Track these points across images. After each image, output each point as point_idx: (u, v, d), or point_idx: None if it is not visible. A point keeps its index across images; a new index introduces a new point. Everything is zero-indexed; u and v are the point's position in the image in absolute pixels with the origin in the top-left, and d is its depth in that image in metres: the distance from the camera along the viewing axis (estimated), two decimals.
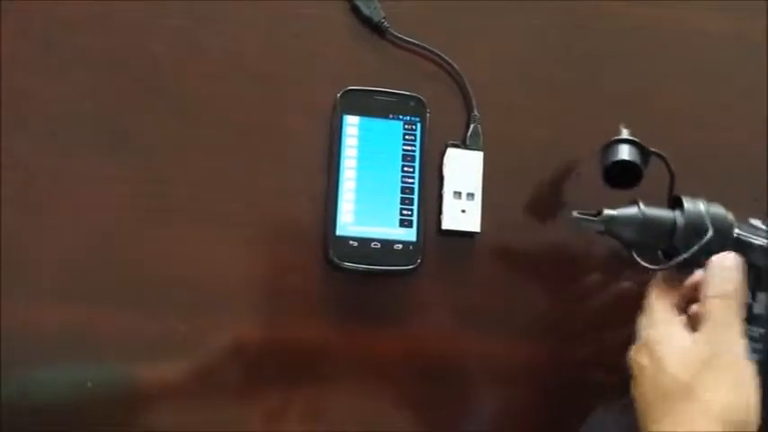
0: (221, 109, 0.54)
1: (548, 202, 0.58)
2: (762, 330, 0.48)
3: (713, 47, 0.63)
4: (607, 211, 0.49)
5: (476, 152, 0.56)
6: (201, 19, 0.54)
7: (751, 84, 0.62)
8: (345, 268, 0.51)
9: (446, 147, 0.56)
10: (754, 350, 0.47)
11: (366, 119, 0.54)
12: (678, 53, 0.62)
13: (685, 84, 0.62)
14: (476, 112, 0.56)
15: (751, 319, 0.48)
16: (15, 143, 0.50)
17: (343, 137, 0.54)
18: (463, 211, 0.55)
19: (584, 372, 0.58)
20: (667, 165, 0.53)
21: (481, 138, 0.56)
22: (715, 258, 0.47)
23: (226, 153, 0.53)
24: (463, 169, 0.55)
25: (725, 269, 0.47)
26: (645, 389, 0.46)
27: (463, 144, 0.56)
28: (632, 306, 0.57)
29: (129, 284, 0.51)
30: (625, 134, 0.53)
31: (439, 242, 0.55)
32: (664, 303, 0.48)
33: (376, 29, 0.56)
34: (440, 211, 0.55)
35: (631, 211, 0.49)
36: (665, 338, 0.46)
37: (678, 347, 0.45)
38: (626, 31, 0.62)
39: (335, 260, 0.51)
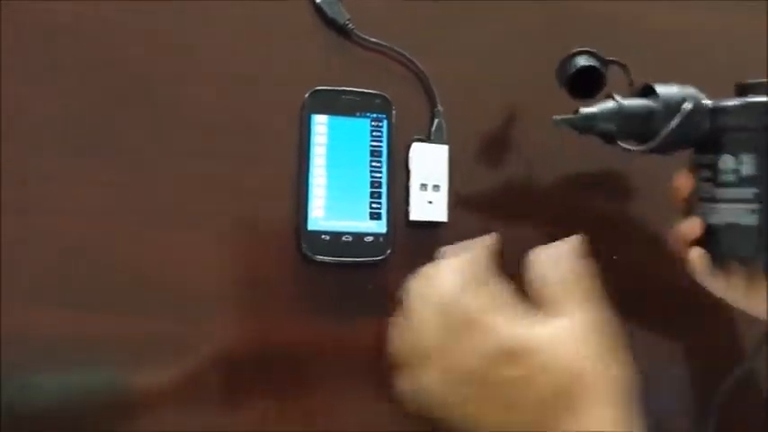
0: (196, 112, 0.55)
1: (510, 191, 0.61)
2: (754, 190, 0.50)
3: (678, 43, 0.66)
4: (586, 109, 0.52)
5: (440, 146, 0.58)
6: (174, 25, 0.55)
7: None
8: (319, 261, 0.54)
9: (412, 141, 0.58)
10: (752, 211, 0.50)
11: (334, 117, 0.56)
12: (643, 48, 0.64)
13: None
14: (439, 108, 0.59)
15: (740, 181, 0.50)
16: (4, 148, 0.51)
17: (312, 135, 0.56)
18: (430, 202, 0.57)
19: None
20: (626, 70, 0.55)
21: (445, 132, 0.59)
22: (532, 255, 0.47)
23: (200, 154, 0.54)
24: (429, 162, 0.58)
25: (550, 257, 0.46)
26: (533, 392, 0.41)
27: (428, 138, 0.58)
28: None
29: (110, 286, 0.52)
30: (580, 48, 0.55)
31: (408, 233, 0.57)
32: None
33: (341, 31, 0.58)
34: (407, 203, 0.57)
35: (609, 104, 0.52)
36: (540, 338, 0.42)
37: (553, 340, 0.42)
38: (586, 29, 0.64)
39: (309, 254, 0.54)
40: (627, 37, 0.64)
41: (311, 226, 0.54)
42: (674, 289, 0.60)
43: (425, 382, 0.43)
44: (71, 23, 0.53)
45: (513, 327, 0.42)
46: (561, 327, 0.43)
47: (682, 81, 0.53)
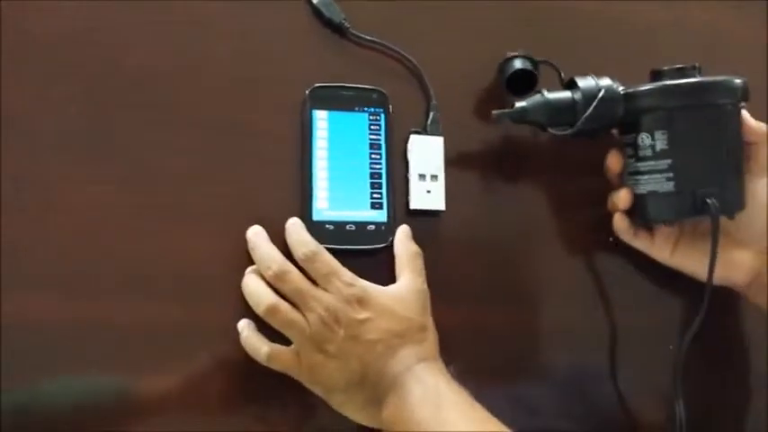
0: (198, 112, 0.56)
1: (504, 179, 0.63)
2: (668, 161, 0.58)
3: (661, 36, 0.69)
4: (518, 103, 0.59)
5: (436, 137, 0.61)
6: (171, 26, 0.56)
7: None
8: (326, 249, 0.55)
9: (409, 134, 0.60)
10: (668, 179, 0.58)
11: (334, 113, 0.58)
12: (631, 45, 0.68)
13: (636, 72, 0.66)
14: (434, 101, 0.61)
15: (655, 155, 0.58)
16: (3, 149, 0.51)
17: (313, 130, 0.58)
18: (428, 191, 0.60)
19: (548, 337, 0.63)
20: (555, 68, 0.62)
21: (440, 124, 0.61)
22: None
23: (204, 152, 0.55)
24: (426, 153, 0.60)
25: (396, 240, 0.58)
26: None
27: (424, 131, 0.61)
28: (592, 273, 0.63)
29: (114, 280, 0.52)
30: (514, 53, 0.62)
31: (408, 221, 0.59)
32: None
33: (337, 29, 0.60)
34: (407, 193, 0.60)
35: (536, 98, 0.59)
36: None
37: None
38: (576, 25, 0.67)
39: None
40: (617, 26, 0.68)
41: (316, 216, 0.56)
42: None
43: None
44: (71, 26, 0.54)
45: (365, 282, 0.54)
46: (398, 287, 0.55)
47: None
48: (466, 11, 0.64)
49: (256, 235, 0.55)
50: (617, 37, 0.69)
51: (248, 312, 0.54)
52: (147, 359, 0.53)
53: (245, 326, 0.54)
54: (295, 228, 0.55)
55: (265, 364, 0.53)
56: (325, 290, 0.53)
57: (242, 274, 0.55)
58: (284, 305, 0.53)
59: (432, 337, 0.55)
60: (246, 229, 0.55)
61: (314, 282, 0.54)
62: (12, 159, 0.51)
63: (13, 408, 0.49)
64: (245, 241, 0.55)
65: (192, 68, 0.56)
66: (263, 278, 0.54)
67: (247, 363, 0.54)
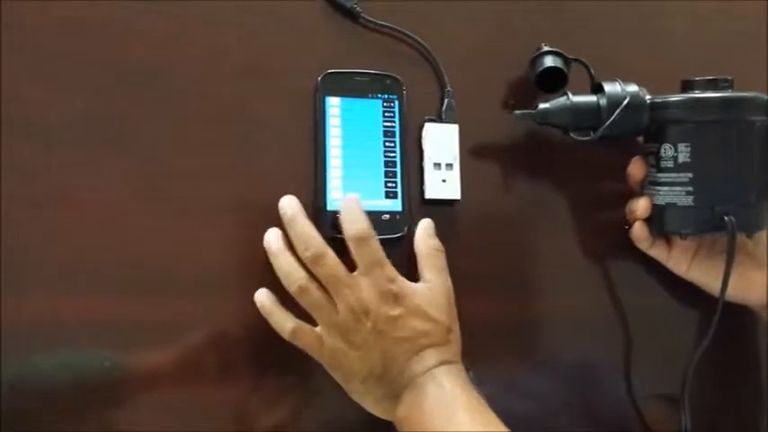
0: (208, 103, 0.55)
1: (520, 169, 0.62)
2: (689, 175, 0.57)
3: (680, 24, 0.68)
4: (542, 105, 0.58)
5: (451, 125, 0.60)
6: (184, 17, 0.55)
7: None
8: (339, 239, 0.54)
9: (424, 121, 0.59)
10: (687, 193, 0.56)
11: (347, 99, 0.57)
12: (650, 29, 0.67)
13: (659, 58, 0.66)
14: (449, 88, 0.60)
15: (677, 167, 0.57)
16: (13, 143, 0.51)
17: (326, 117, 0.57)
18: (444, 180, 0.59)
19: (561, 328, 0.63)
20: (586, 66, 0.60)
21: (455, 111, 0.60)
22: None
23: (215, 143, 0.55)
24: (441, 141, 0.59)
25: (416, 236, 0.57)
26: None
27: (439, 118, 0.60)
28: (608, 267, 0.63)
29: (128, 273, 0.53)
30: (547, 48, 0.60)
31: (423, 210, 0.58)
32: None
33: (349, 14, 0.59)
34: (422, 182, 0.59)
35: (561, 100, 0.58)
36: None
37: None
38: (593, 9, 0.65)
39: (328, 232, 0.54)
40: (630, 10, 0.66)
41: (330, 206, 0.55)
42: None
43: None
44: (85, 21, 0.53)
45: (404, 279, 0.54)
46: (429, 287, 0.55)
47: None
48: None
49: (292, 209, 0.53)
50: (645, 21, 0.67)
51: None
52: (158, 352, 0.53)
53: (265, 298, 0.53)
54: (352, 204, 0.54)
55: (288, 340, 0.53)
56: (365, 276, 0.52)
57: (256, 267, 0.54)
58: (315, 287, 0.52)
59: (456, 339, 0.55)
60: (260, 220, 0.54)
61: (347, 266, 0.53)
62: (24, 154, 0.51)
63: (10, 382, 0.50)
64: (258, 233, 0.54)
65: (203, 58, 0.56)
66: (294, 254, 0.53)
67: (265, 348, 0.54)
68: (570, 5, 0.65)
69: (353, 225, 0.53)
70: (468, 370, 0.54)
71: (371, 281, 0.52)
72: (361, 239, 0.52)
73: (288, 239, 0.54)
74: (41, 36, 0.52)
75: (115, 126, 0.53)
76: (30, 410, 0.50)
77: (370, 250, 0.53)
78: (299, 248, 0.53)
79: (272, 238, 0.54)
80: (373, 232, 0.53)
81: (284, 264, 0.53)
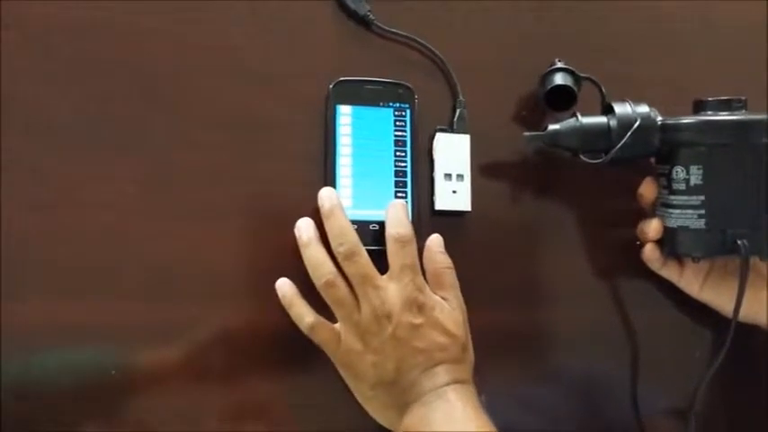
0: (217, 107, 0.55)
1: (532, 181, 0.61)
2: (701, 198, 0.56)
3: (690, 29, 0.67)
4: (551, 126, 0.58)
5: (463, 135, 0.59)
6: (195, 21, 0.55)
7: None
8: None
9: (435, 131, 0.59)
10: (699, 216, 0.56)
11: (358, 108, 0.57)
12: (660, 36, 0.66)
13: (671, 64, 0.65)
14: (461, 98, 0.59)
15: (689, 190, 0.56)
16: (18, 145, 0.51)
17: (337, 126, 0.56)
18: (454, 191, 0.58)
19: (570, 340, 0.62)
20: (597, 85, 0.60)
21: (467, 121, 0.59)
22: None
23: (226, 149, 0.55)
24: (452, 152, 0.58)
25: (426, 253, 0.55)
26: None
27: (450, 128, 0.59)
28: (619, 282, 0.62)
29: (132, 276, 0.53)
30: (559, 64, 0.59)
31: (433, 222, 0.57)
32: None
33: (362, 22, 0.58)
34: (432, 193, 0.58)
35: (571, 122, 0.58)
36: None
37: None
38: (605, 16, 0.65)
39: None
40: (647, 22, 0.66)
41: None
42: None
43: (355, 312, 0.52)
44: (93, 23, 0.53)
45: (431, 292, 0.54)
46: (446, 302, 0.54)
47: None
48: (496, 2, 0.62)
49: (331, 201, 0.53)
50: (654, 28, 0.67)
51: (269, 311, 0.54)
52: (163, 355, 0.53)
53: (288, 288, 0.53)
54: (399, 207, 0.54)
55: (306, 333, 0.53)
56: (395, 281, 0.52)
57: (264, 272, 0.54)
58: (342, 283, 0.52)
59: (470, 358, 0.55)
60: (267, 226, 0.54)
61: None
62: (26, 155, 0.51)
63: (12, 382, 0.50)
64: (267, 239, 0.54)
65: (214, 64, 0.56)
66: (326, 247, 0.53)
67: (272, 354, 0.54)
68: (588, 21, 0.64)
69: (397, 228, 0.53)
70: (480, 394, 0.54)
71: (400, 286, 0.52)
72: (403, 242, 0.52)
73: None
74: (46, 36, 0.52)
75: (121, 128, 0.53)
76: (32, 414, 0.50)
77: (408, 253, 0.53)
78: (334, 242, 0.52)
79: (304, 226, 0.53)
80: (414, 238, 0.53)
81: (315, 255, 0.53)
